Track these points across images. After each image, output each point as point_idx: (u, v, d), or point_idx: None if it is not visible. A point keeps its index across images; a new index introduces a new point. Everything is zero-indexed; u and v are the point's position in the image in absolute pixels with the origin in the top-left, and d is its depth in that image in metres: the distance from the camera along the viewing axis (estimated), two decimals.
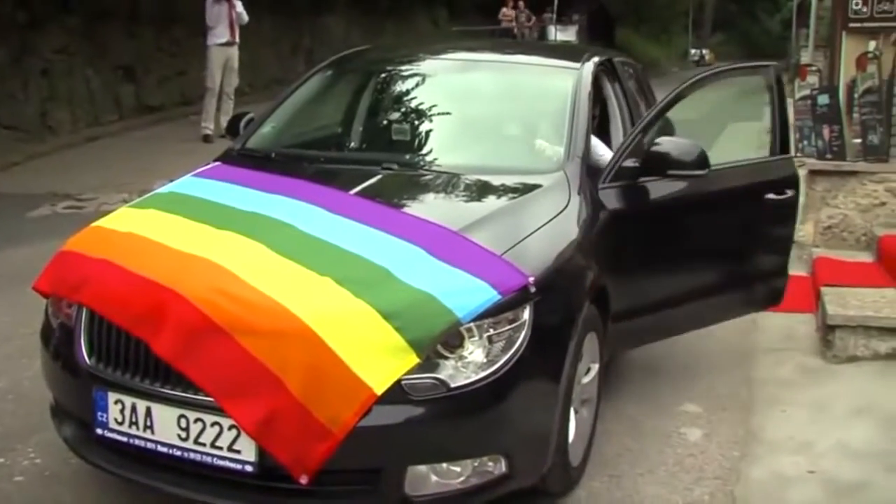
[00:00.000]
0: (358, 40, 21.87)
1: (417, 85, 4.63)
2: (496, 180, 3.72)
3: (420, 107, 4.45)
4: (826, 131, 9.33)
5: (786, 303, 5.40)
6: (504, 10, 28.37)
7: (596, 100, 4.34)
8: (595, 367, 3.66)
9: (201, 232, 3.30)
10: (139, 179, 9.09)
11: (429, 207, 3.52)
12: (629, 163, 3.98)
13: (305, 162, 4.17)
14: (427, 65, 4.80)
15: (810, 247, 7.19)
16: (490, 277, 2.93)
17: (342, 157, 4.40)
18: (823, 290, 5.62)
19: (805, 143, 8.92)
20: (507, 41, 18.34)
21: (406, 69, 4.78)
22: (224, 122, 12.05)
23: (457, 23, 27.90)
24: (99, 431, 3.04)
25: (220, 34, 11.95)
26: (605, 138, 4.46)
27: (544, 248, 3.28)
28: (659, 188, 4.08)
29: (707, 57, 48.41)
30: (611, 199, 3.88)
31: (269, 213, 3.38)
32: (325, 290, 2.88)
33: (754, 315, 5.70)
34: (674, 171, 3.99)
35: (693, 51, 50.25)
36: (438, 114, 4.38)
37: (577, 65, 4.44)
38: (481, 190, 3.69)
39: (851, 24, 13.21)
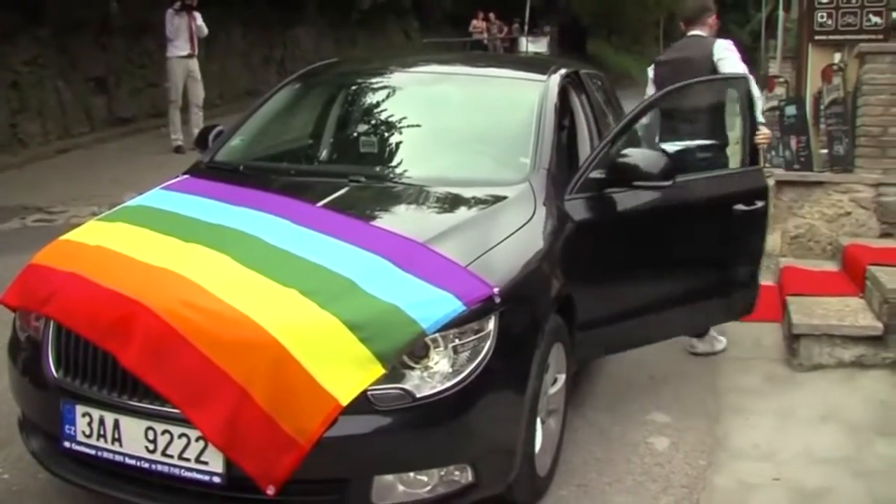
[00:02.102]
0: (329, 51, 21.93)
1: (386, 98, 4.67)
2: (462, 192, 3.76)
3: (388, 119, 4.49)
4: (793, 142, 9.44)
5: (753, 312, 5.54)
6: (474, 22, 28.51)
7: (563, 112, 4.38)
8: (562, 378, 3.70)
9: (168, 245, 3.32)
10: (110, 192, 9.07)
11: (395, 219, 3.56)
12: (596, 174, 4.02)
13: (273, 175, 4.19)
14: (395, 78, 4.84)
15: (777, 256, 7.27)
16: (455, 288, 2.96)
17: (310, 170, 4.42)
18: (789, 299, 5.70)
19: (773, 153, 9.03)
20: (475, 54, 18.45)
21: (374, 82, 4.82)
22: (195, 133, 12.05)
23: (428, 35, 27.99)
24: (67, 444, 3.04)
25: (180, 46, 11.96)
26: (572, 150, 4.50)
27: (509, 258, 3.31)
28: (626, 199, 4.12)
29: None
30: (577, 209, 3.93)
31: (236, 226, 3.40)
32: (290, 302, 2.90)
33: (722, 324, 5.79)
34: (640, 183, 4.03)
35: None
36: (406, 126, 4.43)
37: (544, 77, 4.49)
38: (447, 202, 3.73)
39: (817, 37, 13.46)
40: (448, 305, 2.91)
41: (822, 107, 10.74)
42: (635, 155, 4.07)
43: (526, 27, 28.32)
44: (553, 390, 3.62)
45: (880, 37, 11.90)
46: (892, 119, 7.52)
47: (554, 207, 3.80)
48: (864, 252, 6.42)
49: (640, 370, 5.06)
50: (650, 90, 5.49)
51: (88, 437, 2.99)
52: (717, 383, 4.94)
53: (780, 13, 20.66)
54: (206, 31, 12.20)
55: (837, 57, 12.42)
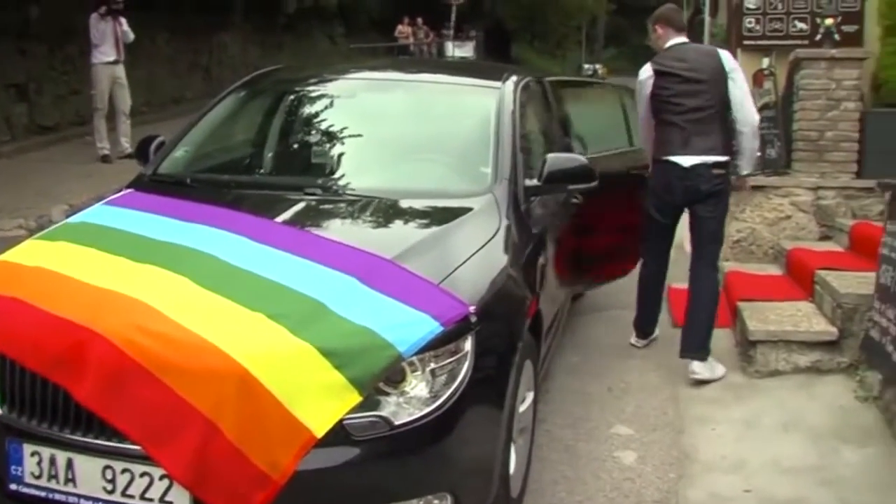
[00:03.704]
0: (255, 57, 21.61)
1: (339, 105, 4.51)
2: (425, 204, 3.62)
3: (342, 128, 4.32)
4: None
5: None
6: (400, 27, 28.39)
7: (519, 119, 4.27)
8: (530, 396, 3.59)
9: (118, 265, 3.10)
10: (36, 204, 8.69)
11: (359, 235, 3.38)
12: (530, 182, 3.99)
13: (223, 188, 3.99)
14: (347, 84, 4.69)
15: (721, 261, 7.27)
16: (430, 308, 2.82)
17: (261, 183, 4.19)
18: (740, 304, 5.68)
19: None
20: (425, 60, 18.29)
21: (326, 88, 4.65)
22: (123, 142, 11.70)
23: (354, 40, 27.77)
24: (13, 487, 2.82)
25: (106, 52, 11.56)
26: (528, 158, 4.38)
27: (481, 275, 3.18)
28: (559, 200, 4.44)
29: (600, 71, 49.24)
30: (529, 219, 3.87)
31: (190, 244, 3.20)
32: (258, 327, 2.73)
33: (671, 331, 5.76)
34: (571, 186, 4.17)
35: (587, 65, 50.99)
36: (363, 136, 4.27)
37: (499, 83, 4.38)
38: (411, 215, 3.58)
39: (746, 42, 13.65)
40: (425, 326, 2.77)
41: None
42: (555, 161, 4.06)
43: (452, 32, 28.31)
44: (523, 408, 3.51)
45: (806, 42, 12.13)
46: (829, 123, 7.62)
47: (517, 219, 3.70)
48: (809, 256, 6.45)
49: (598, 382, 4.98)
50: (643, 106, 5.27)
51: (38, 477, 2.77)
52: (677, 393, 4.88)
53: (706, 18, 20.96)
54: (132, 36, 11.83)
55: (766, 62, 12.62)
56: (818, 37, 11.12)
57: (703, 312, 5.05)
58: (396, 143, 4.20)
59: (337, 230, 3.43)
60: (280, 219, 3.44)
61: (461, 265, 3.13)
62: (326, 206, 3.68)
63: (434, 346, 2.77)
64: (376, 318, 2.77)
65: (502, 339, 3.12)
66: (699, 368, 4.99)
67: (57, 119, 13.84)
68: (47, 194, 9.17)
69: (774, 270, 7.13)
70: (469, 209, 3.56)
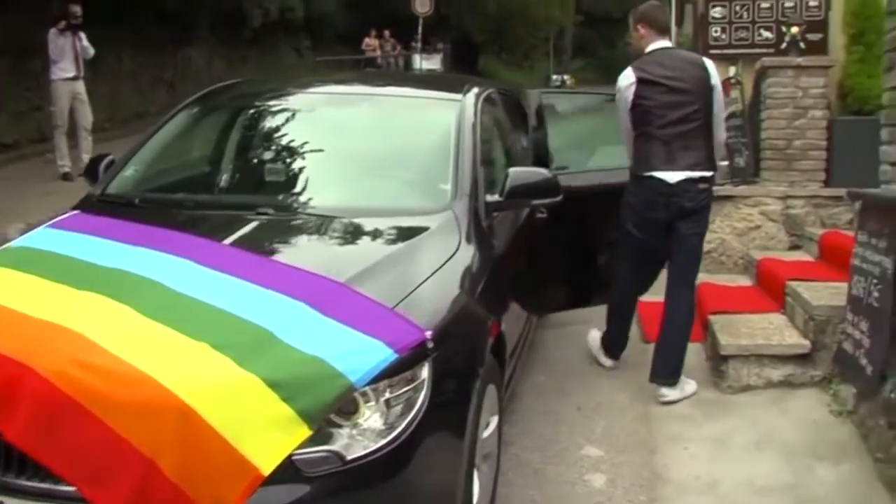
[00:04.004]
0: (220, 71, 21.41)
1: (294, 121, 4.35)
2: (382, 223, 3.48)
3: (297, 145, 4.17)
4: None
5: None
6: (367, 40, 28.28)
7: (480, 133, 4.13)
8: (494, 420, 3.45)
9: (59, 294, 2.94)
10: None
11: (311, 257, 3.23)
12: (492, 198, 3.85)
13: (173, 208, 3.83)
14: (303, 99, 4.53)
15: None
16: (384, 334, 2.67)
17: (213, 202, 4.00)
18: (711, 318, 5.58)
19: None
20: (385, 72, 18.19)
21: (281, 104, 4.49)
22: (84, 158, 11.39)
23: (321, 53, 27.61)
24: None
25: (65, 68, 11.32)
26: (489, 173, 4.25)
27: (439, 297, 3.04)
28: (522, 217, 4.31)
29: (568, 82, 49.34)
30: (491, 236, 3.74)
31: (135, 270, 3.04)
32: (201, 358, 2.57)
33: (642, 346, 5.64)
34: (535, 201, 4.04)
35: (555, 77, 51.07)
36: (317, 152, 4.12)
37: (459, 96, 4.25)
38: (366, 235, 3.43)
39: (712, 51, 13.60)
40: (378, 354, 2.62)
41: None
42: (519, 175, 3.91)
43: (419, 44, 28.23)
44: (486, 434, 3.36)
45: (772, 51, 12.13)
46: (796, 132, 7.57)
47: (478, 237, 3.56)
48: (779, 266, 6.37)
49: (566, 402, 4.85)
50: (626, 116, 4.87)
51: None
52: (648, 411, 4.76)
53: (673, 27, 20.97)
54: (92, 51, 11.60)
55: (732, 70, 12.60)
56: (783, 45, 11.13)
57: (676, 338, 4.88)
58: (353, 159, 4.05)
59: (288, 252, 3.28)
60: (229, 241, 3.28)
61: (418, 287, 2.98)
62: (278, 227, 3.52)
63: (388, 374, 2.62)
64: (327, 346, 2.62)
65: (462, 364, 2.98)
66: (668, 392, 4.86)
67: (17, 136, 13.58)
68: (6, 213, 8.91)
69: (745, 281, 7.05)
70: (427, 227, 3.42)
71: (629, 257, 5.04)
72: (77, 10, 11.37)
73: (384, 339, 2.65)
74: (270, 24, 24.52)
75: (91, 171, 4.40)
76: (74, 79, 11.40)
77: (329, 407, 2.54)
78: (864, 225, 4.39)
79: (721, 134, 4.89)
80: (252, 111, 4.55)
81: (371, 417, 2.62)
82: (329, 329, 2.69)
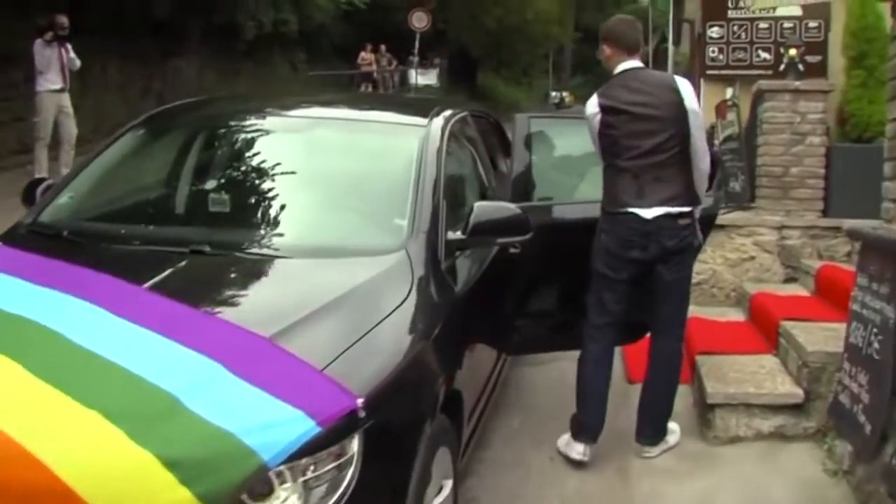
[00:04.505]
0: (212, 84, 21.13)
1: (243, 146, 3.99)
2: (324, 266, 3.11)
3: (243, 173, 3.82)
4: None
5: None
6: (363, 54, 27.99)
7: (446, 162, 3.76)
8: (448, 484, 3.06)
9: None
10: None
11: (237, 306, 2.85)
12: (453, 235, 3.48)
13: (102, 242, 3.44)
14: (255, 123, 4.13)
15: None
16: (306, 402, 2.30)
17: (147, 236, 3.56)
18: (699, 359, 5.22)
19: None
20: (353, 94, 17.82)
21: (231, 128, 4.14)
22: (64, 172, 11.09)
23: (316, 67, 27.33)
24: None
25: (51, 80, 10.99)
26: (456, 207, 3.87)
27: (380, 354, 2.66)
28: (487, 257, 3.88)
29: (567, 99, 49.12)
30: (452, 278, 3.37)
31: (36, 317, 2.67)
32: (90, 430, 2.20)
33: (625, 387, 5.29)
34: (501, 239, 3.67)
35: (553, 93, 50.90)
36: (264, 182, 3.75)
37: (424, 121, 3.88)
38: (307, 279, 3.05)
39: (709, 72, 13.36)
40: (297, 426, 2.25)
41: (716, 142, 10.57)
42: (485, 210, 3.54)
43: (416, 59, 27.95)
44: (438, 501, 2.99)
45: (770, 72, 11.84)
46: (794, 159, 7.25)
47: (435, 280, 3.20)
48: (772, 303, 6.01)
49: (538, 451, 4.48)
50: (596, 147, 4.36)
51: None
52: (627, 464, 4.38)
53: (670, 47, 20.75)
54: (78, 63, 11.29)
55: (729, 92, 12.32)
56: (782, 67, 10.81)
57: (663, 396, 4.44)
58: (303, 190, 3.68)
59: (213, 300, 2.89)
60: (150, 283, 2.91)
61: (355, 343, 2.61)
62: (209, 268, 3.13)
63: (310, 450, 2.25)
64: (239, 416, 2.25)
65: (403, 431, 2.61)
66: (651, 448, 4.46)
67: None
68: None
69: (737, 315, 6.69)
70: (376, 271, 3.04)
71: (600, 306, 4.34)
72: (64, 20, 11.07)
73: (306, 407, 2.28)
74: (264, 36, 24.22)
75: (28, 196, 4.02)
76: (61, 91, 11.10)
77: (236, 490, 2.17)
78: (865, 267, 4.04)
79: (703, 163, 4.29)
80: (200, 135, 4.18)
81: (288, 500, 2.25)
82: (244, 395, 2.33)
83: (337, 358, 2.50)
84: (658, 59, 32.11)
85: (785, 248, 7.13)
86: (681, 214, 4.18)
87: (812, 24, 12.34)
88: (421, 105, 4.65)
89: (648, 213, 4.14)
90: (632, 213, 4.16)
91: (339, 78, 27.73)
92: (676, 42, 20.15)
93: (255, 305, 2.88)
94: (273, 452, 2.19)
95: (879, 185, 7.04)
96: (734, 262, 7.21)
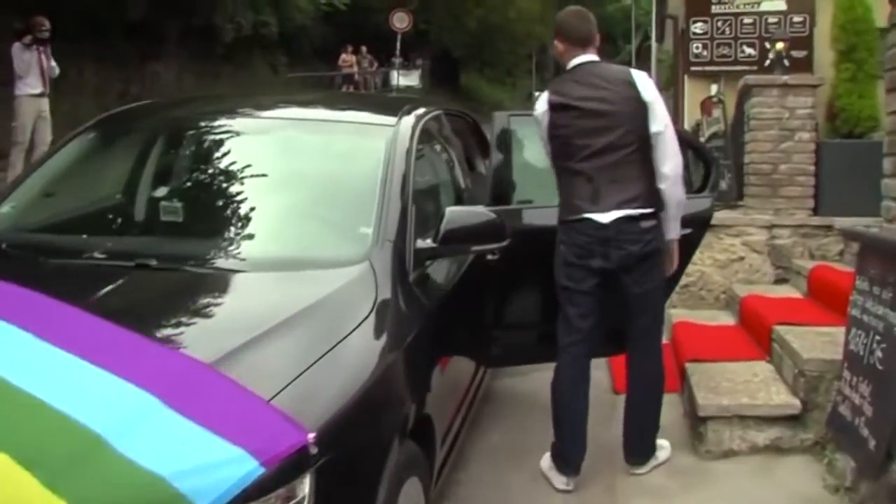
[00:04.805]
0: (191, 87, 20.83)
1: (198, 150, 3.72)
2: (282, 280, 2.82)
3: (198, 181, 3.55)
4: None
5: None
6: (344, 56, 27.72)
7: (416, 165, 3.49)
8: None
9: None
10: None
11: (180, 327, 2.56)
12: (424, 244, 3.21)
13: (42, 255, 3.15)
14: (212, 126, 3.83)
15: (668, 307, 6.57)
16: (249, 440, 2.02)
17: (91, 248, 3.18)
18: (689, 367, 4.97)
19: None
20: (321, 94, 17.54)
21: (186, 131, 3.86)
22: None
23: (297, 69, 27.05)
24: None
25: (31, 84, 10.71)
26: (426, 213, 3.59)
27: (337, 380, 2.38)
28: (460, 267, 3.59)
29: None
30: (422, 290, 3.10)
31: None
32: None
33: (611, 398, 5.04)
34: (476, 247, 3.41)
35: (537, 93, 50.42)
36: (220, 187, 3.47)
37: (393, 121, 3.61)
38: (259, 296, 2.76)
39: (693, 68, 13.15)
40: (238, 468, 1.97)
41: (701, 139, 10.40)
42: (458, 215, 3.28)
43: (398, 60, 27.69)
44: None
45: (755, 68, 11.64)
46: (783, 156, 7.00)
47: (404, 293, 2.93)
48: (764, 306, 5.77)
49: (521, 468, 4.22)
50: (547, 149, 4.06)
51: None
52: (614, 481, 4.12)
53: (653, 44, 20.56)
54: (57, 71, 11.01)
55: (714, 88, 12.11)
56: (767, 62, 10.62)
57: (647, 414, 4.14)
58: (259, 197, 3.37)
59: (154, 321, 2.59)
60: (86, 303, 2.62)
61: (309, 368, 2.33)
62: (154, 284, 2.85)
63: (253, 494, 1.97)
64: (172, 457, 1.97)
65: (364, 465, 2.33)
66: (640, 468, 4.19)
67: None
68: None
69: (727, 319, 6.45)
70: (336, 285, 2.77)
71: (568, 322, 3.98)
72: (44, 21, 10.78)
73: (249, 445, 2.01)
74: (244, 39, 23.95)
75: None
76: (41, 95, 10.82)
77: None
78: (864, 270, 3.79)
79: (666, 163, 3.86)
80: (152, 139, 3.90)
81: None
82: (179, 432, 2.05)
83: (287, 386, 2.23)
84: (641, 57, 31.94)
85: (775, 248, 6.90)
86: (642, 216, 3.85)
87: (797, 18, 12.16)
88: (391, 104, 4.39)
89: (605, 217, 3.81)
90: (588, 218, 3.83)
91: (320, 80, 27.45)
92: (660, 39, 19.92)
93: (200, 327, 2.59)
94: (209, 499, 1.92)
95: (871, 181, 6.82)
96: (723, 263, 6.98)
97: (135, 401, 2.13)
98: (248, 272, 2.87)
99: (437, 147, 4.19)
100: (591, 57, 4.01)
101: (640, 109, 3.85)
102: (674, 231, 4.01)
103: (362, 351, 2.55)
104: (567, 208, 3.93)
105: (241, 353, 2.32)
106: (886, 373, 3.42)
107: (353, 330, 2.56)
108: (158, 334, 2.48)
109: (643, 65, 25.92)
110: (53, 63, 10.87)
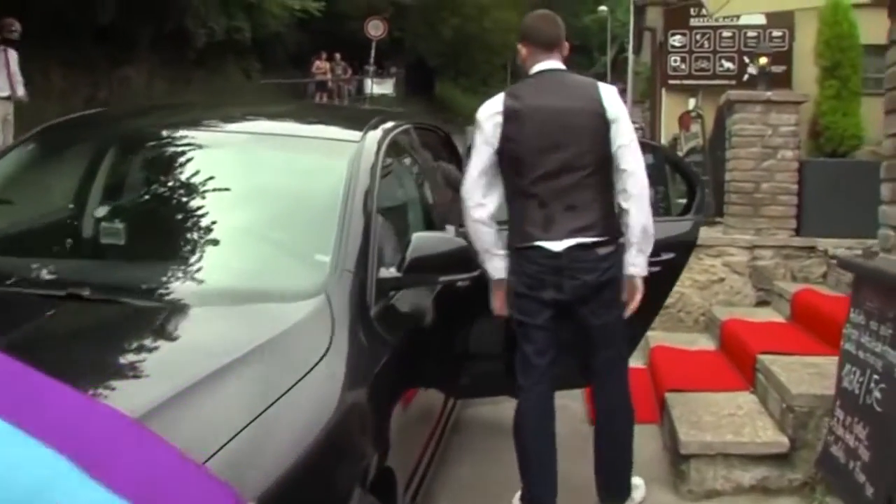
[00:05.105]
0: (162, 93, 20.48)
1: (144, 168, 3.44)
2: (226, 317, 2.52)
3: (142, 200, 3.25)
4: (651, 192, 8.79)
5: None
6: (318, 62, 27.49)
7: (382, 184, 3.20)
8: None
9: None
10: None
11: (107, 373, 2.25)
12: (388, 273, 2.91)
13: None
14: (161, 139, 3.51)
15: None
16: None
17: (17, 272, 2.84)
18: (669, 397, 4.73)
19: None
20: (281, 104, 17.24)
21: (131, 145, 3.56)
22: None
23: (271, 75, 26.80)
24: None
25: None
26: (391, 237, 3.29)
27: (284, 435, 2.08)
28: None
29: None
30: (385, 324, 2.82)
31: None
32: None
33: (586, 430, 4.75)
34: (444, 277, 3.09)
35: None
36: (166, 210, 3.17)
37: (357, 136, 3.32)
38: (202, 335, 2.46)
39: (671, 81, 12.99)
40: None
41: (679, 154, 10.27)
42: (424, 242, 2.99)
43: (371, 68, 27.46)
44: None
45: (733, 82, 11.50)
46: (765, 174, 6.81)
47: (363, 331, 2.64)
48: (746, 331, 5.55)
49: None
50: (479, 162, 3.58)
51: None
52: None
53: (630, 56, 20.45)
54: (21, 90, 10.69)
55: (692, 102, 11.96)
56: (746, 77, 10.45)
57: (618, 454, 3.80)
58: (209, 220, 3.07)
59: (77, 363, 2.27)
60: (4, 342, 2.32)
61: (252, 422, 2.04)
62: (82, 319, 2.53)
63: None
64: None
65: None
66: None
67: None
68: None
69: (707, 343, 6.23)
70: (288, 321, 2.47)
71: (526, 359, 3.65)
72: (14, 23, 10.49)
73: None
74: (217, 44, 23.72)
75: None
76: (7, 98, 10.52)
77: None
78: (860, 303, 3.55)
79: (629, 180, 3.50)
80: (95, 152, 3.56)
81: None
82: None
83: (225, 445, 1.93)
84: (617, 69, 31.87)
85: (757, 270, 6.70)
86: (597, 244, 3.52)
87: (776, 32, 12.05)
88: (357, 117, 4.11)
89: (558, 245, 3.48)
90: (539, 246, 3.51)
91: (294, 87, 27.18)
92: (637, 50, 19.79)
93: (130, 373, 2.27)
94: None
95: (855, 202, 6.64)
96: (703, 285, 6.76)
97: (45, 464, 1.83)
98: (192, 306, 2.57)
99: (407, 164, 3.93)
100: (556, 64, 3.66)
101: (603, 127, 3.50)
102: (639, 265, 3.60)
103: (315, 400, 2.25)
104: (517, 235, 3.59)
105: (174, 406, 2.01)
106: (886, 416, 3.18)
107: (305, 376, 2.26)
108: (82, 381, 2.17)
109: (619, 77, 25.85)
110: (16, 68, 10.56)
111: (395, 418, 2.68)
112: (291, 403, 2.15)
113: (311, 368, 2.29)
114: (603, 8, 38.70)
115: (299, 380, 2.23)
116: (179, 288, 2.68)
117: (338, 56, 28.04)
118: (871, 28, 8.42)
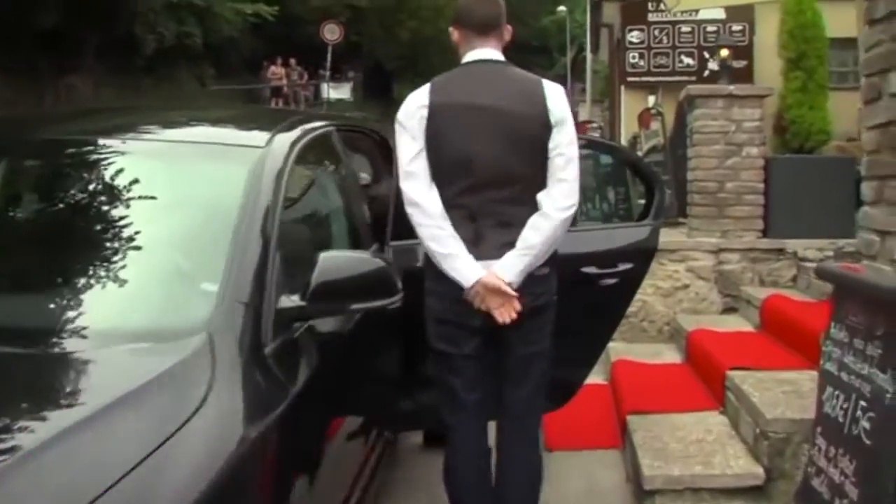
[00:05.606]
0: (110, 100, 19.87)
1: (16, 184, 2.93)
2: (87, 362, 2.05)
3: (10, 221, 2.75)
4: (611, 193, 8.46)
5: (582, 435, 4.45)
6: (273, 68, 27.00)
7: (287, 199, 2.73)
8: None
9: None
10: None
11: None
12: (290, 302, 2.42)
13: None
14: (38, 150, 3.00)
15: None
16: None
17: None
18: (631, 420, 4.31)
19: (589, 205, 8.01)
20: (179, 105, 16.65)
21: (6, 157, 3.04)
22: None
23: (225, 81, 26.27)
24: None
25: None
26: (299, 258, 2.79)
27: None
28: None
29: None
30: (283, 369, 2.34)
31: None
32: None
33: (548, 459, 4.34)
34: (357, 305, 2.58)
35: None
36: (35, 232, 2.69)
37: (263, 141, 2.85)
38: (52, 384, 1.99)
39: (630, 79, 12.65)
40: None
41: (639, 153, 9.97)
42: (332, 263, 2.52)
43: (328, 73, 26.96)
44: None
45: (693, 78, 11.16)
46: (729, 172, 6.43)
47: (260, 371, 2.18)
48: (714, 343, 5.16)
49: None
50: (409, 149, 2.98)
51: None
52: None
53: (588, 54, 20.13)
54: None
55: (652, 99, 11.64)
56: (706, 73, 10.13)
57: None
58: (78, 245, 2.58)
59: None
60: None
61: (110, 489, 1.58)
62: None
63: None
64: None
65: None
66: None
67: None
68: None
69: (672, 355, 5.84)
70: (160, 366, 1.99)
71: (452, 393, 3.09)
72: None
73: None
74: (168, 50, 23.13)
75: None
76: None
77: None
78: (842, 317, 3.13)
79: (567, 194, 2.96)
80: None
81: None
82: None
83: None
84: (577, 70, 31.60)
85: (723, 275, 6.33)
86: None
87: (736, 27, 11.77)
88: (267, 119, 3.63)
89: (487, 264, 2.92)
90: None
91: (249, 93, 26.63)
92: (594, 49, 19.44)
93: None
94: None
95: (824, 200, 6.28)
96: (667, 292, 6.37)
97: None
98: (52, 349, 2.10)
99: (328, 172, 3.46)
100: (492, 53, 3.08)
101: (544, 133, 2.96)
102: (511, 269, 2.92)
103: (182, 464, 1.76)
104: None
105: (14, 473, 1.56)
106: (875, 450, 2.76)
107: (173, 434, 1.79)
108: None
109: (578, 77, 25.54)
110: None
111: (300, 476, 2.23)
112: (157, 464, 1.69)
113: (184, 423, 1.82)
114: (562, 8, 38.36)
115: (167, 437, 1.76)
116: (42, 328, 2.20)
117: (293, 61, 27.50)
118: (836, 21, 8.12)
